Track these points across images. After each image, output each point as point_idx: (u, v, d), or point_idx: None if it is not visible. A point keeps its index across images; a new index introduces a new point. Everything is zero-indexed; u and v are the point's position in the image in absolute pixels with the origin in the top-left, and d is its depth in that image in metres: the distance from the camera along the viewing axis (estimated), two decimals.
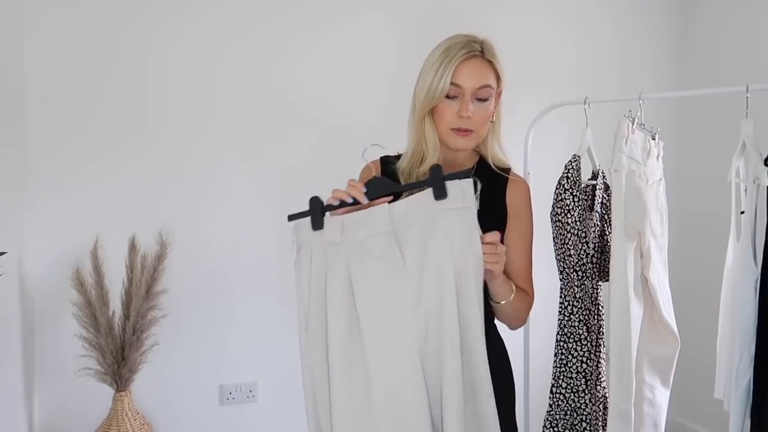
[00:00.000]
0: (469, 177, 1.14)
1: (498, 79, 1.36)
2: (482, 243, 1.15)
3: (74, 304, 2.10)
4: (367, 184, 1.22)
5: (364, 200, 1.20)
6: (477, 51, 1.32)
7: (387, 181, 1.23)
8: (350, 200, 1.21)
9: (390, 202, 1.20)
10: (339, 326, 1.18)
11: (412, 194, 1.21)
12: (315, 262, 1.22)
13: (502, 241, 1.33)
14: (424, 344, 1.15)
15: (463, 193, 1.14)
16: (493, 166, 1.42)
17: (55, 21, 2.17)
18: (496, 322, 1.44)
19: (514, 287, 1.33)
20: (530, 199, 1.45)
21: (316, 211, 1.22)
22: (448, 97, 1.32)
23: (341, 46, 2.47)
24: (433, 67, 1.32)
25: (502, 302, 1.32)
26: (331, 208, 1.22)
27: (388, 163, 1.44)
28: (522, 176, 1.49)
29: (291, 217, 1.24)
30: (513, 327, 1.43)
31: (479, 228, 1.15)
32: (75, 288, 2.08)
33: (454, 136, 1.34)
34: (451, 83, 1.31)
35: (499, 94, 1.39)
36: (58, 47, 2.18)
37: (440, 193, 1.15)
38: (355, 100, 2.48)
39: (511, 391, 1.48)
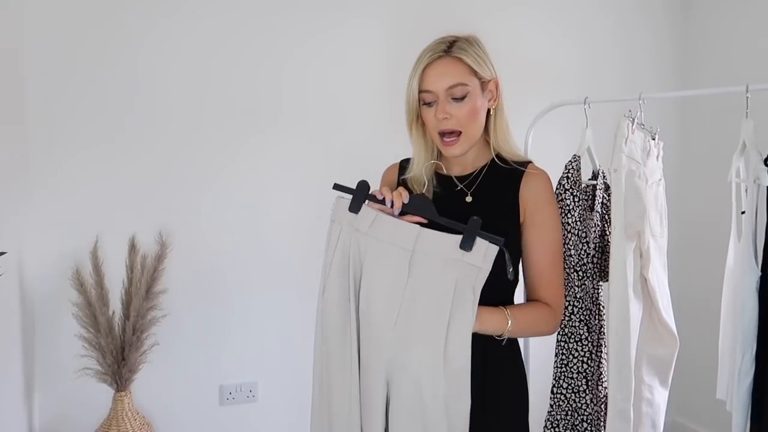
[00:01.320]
0: (499, 244, 1.19)
1: (474, 73, 1.29)
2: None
3: (74, 304, 2.10)
4: (412, 198, 1.26)
5: (396, 211, 1.25)
6: (441, 51, 1.29)
7: (429, 205, 1.26)
8: (389, 203, 1.25)
9: (421, 224, 1.24)
10: (346, 304, 1.27)
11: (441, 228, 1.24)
12: (342, 239, 1.28)
13: (514, 242, 1.31)
14: (395, 359, 1.22)
15: (485, 255, 1.20)
16: (510, 162, 1.36)
17: (55, 21, 2.17)
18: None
19: (507, 314, 1.26)
20: (551, 192, 1.36)
21: (360, 195, 1.27)
22: (426, 104, 1.31)
23: (341, 48, 2.47)
24: (409, 76, 1.32)
25: (501, 336, 1.27)
26: (373, 198, 1.27)
27: (403, 168, 1.43)
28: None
29: (336, 186, 1.30)
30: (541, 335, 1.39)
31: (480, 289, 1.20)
32: (75, 288, 2.08)
33: (444, 146, 1.32)
34: (421, 90, 1.30)
35: (496, 85, 1.34)
36: (58, 48, 2.17)
37: (466, 245, 1.20)
38: (355, 102, 2.48)
39: (525, 405, 1.43)
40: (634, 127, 1.78)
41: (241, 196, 2.38)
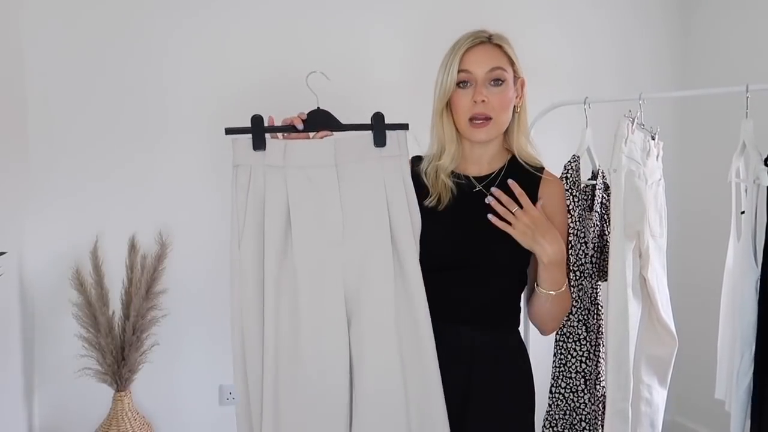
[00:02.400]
0: (406, 129, 1.23)
1: (512, 64, 1.33)
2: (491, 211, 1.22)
3: (74, 304, 2.10)
4: (309, 115, 1.26)
5: (300, 127, 1.25)
6: (483, 38, 1.32)
7: (329, 116, 1.27)
8: (298, 127, 1.26)
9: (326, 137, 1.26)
10: (273, 250, 1.22)
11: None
12: (254, 182, 1.24)
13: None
14: (353, 278, 1.21)
15: (399, 143, 1.23)
16: (525, 166, 1.36)
17: (55, 23, 2.17)
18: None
19: (567, 280, 1.30)
20: (564, 200, 1.40)
21: (259, 130, 1.24)
22: (460, 87, 1.31)
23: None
24: (443, 62, 1.33)
25: (549, 292, 1.29)
26: (272, 130, 1.25)
27: (416, 163, 1.41)
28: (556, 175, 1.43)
29: (229, 131, 1.25)
30: (546, 330, 1.39)
31: (410, 175, 1.24)
32: (75, 288, 2.08)
33: (471, 129, 1.31)
34: (460, 70, 1.30)
35: (522, 84, 1.36)
36: (58, 48, 2.18)
37: (379, 141, 1.22)
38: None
39: (531, 405, 1.41)
40: (634, 127, 1.78)
41: None
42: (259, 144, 1.23)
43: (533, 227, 1.25)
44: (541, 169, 1.37)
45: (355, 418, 1.21)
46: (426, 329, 1.21)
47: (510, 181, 1.28)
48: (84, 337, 2.08)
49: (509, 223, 1.26)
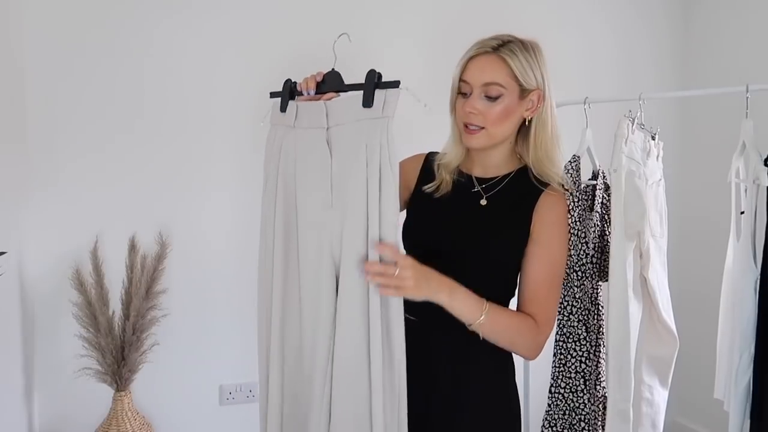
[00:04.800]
0: (396, 86, 1.17)
1: (514, 78, 1.26)
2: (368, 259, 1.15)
3: (74, 304, 2.10)
4: (326, 76, 1.32)
5: (312, 92, 1.31)
6: (490, 48, 1.27)
7: (336, 77, 1.31)
8: (305, 92, 1.32)
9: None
10: (284, 203, 1.31)
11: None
12: (276, 141, 1.35)
13: (520, 255, 1.30)
14: (337, 243, 1.22)
15: (385, 104, 1.17)
16: (533, 178, 1.32)
17: (55, 21, 2.17)
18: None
19: (484, 307, 1.21)
20: (564, 216, 1.32)
21: (285, 94, 1.35)
22: (461, 93, 1.31)
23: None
24: (457, 63, 1.34)
25: (470, 325, 1.22)
26: (298, 93, 1.34)
27: (429, 161, 1.43)
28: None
29: (272, 95, 1.38)
30: (520, 354, 1.31)
31: (392, 139, 1.17)
32: (75, 288, 2.08)
33: (465, 135, 1.31)
34: (461, 79, 1.30)
35: (539, 97, 1.30)
36: (58, 47, 2.18)
37: (367, 101, 1.19)
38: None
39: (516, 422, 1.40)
40: (634, 127, 1.78)
41: (242, 196, 2.38)
42: (283, 106, 1.35)
43: (419, 277, 1.17)
44: (547, 183, 1.32)
45: (333, 380, 1.24)
46: (396, 306, 1.18)
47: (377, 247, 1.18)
48: (84, 337, 2.08)
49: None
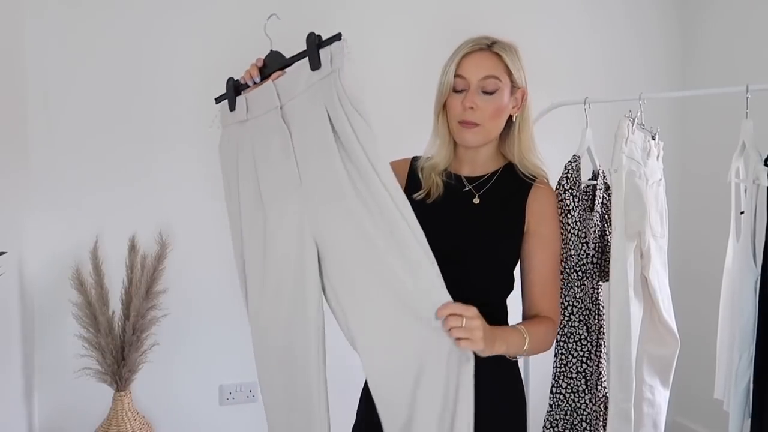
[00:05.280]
0: (338, 39, 1.12)
1: (509, 73, 1.32)
2: (441, 316, 1.10)
3: (74, 304, 2.10)
4: (266, 60, 1.28)
5: (257, 78, 1.27)
6: (484, 45, 1.32)
7: (278, 56, 1.27)
8: (251, 83, 1.27)
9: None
10: (249, 200, 1.27)
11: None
12: (232, 142, 1.31)
13: (516, 249, 1.32)
14: (314, 217, 1.18)
15: (332, 58, 1.12)
16: (520, 173, 1.36)
17: (56, 22, 2.17)
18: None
19: (524, 335, 1.22)
20: (555, 206, 1.37)
21: (230, 93, 1.30)
22: (456, 91, 1.32)
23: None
24: (444, 64, 1.34)
25: (519, 356, 1.27)
26: (238, 90, 1.30)
27: (413, 166, 1.42)
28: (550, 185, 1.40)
29: (217, 100, 1.34)
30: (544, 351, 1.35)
31: (350, 88, 1.10)
32: (75, 288, 2.08)
33: (460, 131, 1.32)
34: (456, 75, 1.31)
35: (522, 95, 1.35)
36: (59, 48, 2.18)
37: (315, 63, 1.14)
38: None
39: (522, 413, 1.41)
40: (634, 127, 1.78)
41: None
42: (232, 105, 1.30)
43: (484, 331, 1.15)
44: (535, 177, 1.36)
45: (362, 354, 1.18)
46: (407, 231, 1.11)
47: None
48: (84, 337, 2.08)
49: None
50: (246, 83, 1.29)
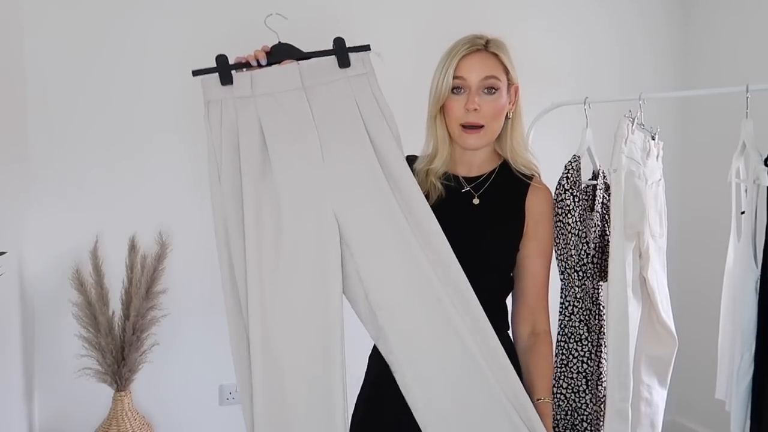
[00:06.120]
0: (368, 49, 1.23)
1: (506, 72, 1.33)
2: None
3: (74, 304, 2.10)
4: (272, 49, 1.28)
5: (263, 62, 1.27)
6: (480, 45, 1.32)
7: (290, 47, 1.28)
8: (255, 63, 1.27)
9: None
10: (252, 174, 1.23)
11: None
12: (226, 116, 1.26)
13: (515, 249, 1.33)
14: (339, 198, 1.20)
15: (364, 62, 1.24)
16: (515, 171, 1.37)
17: (55, 22, 2.17)
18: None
19: (549, 401, 1.30)
20: (552, 208, 1.40)
21: (225, 66, 1.27)
22: (454, 93, 1.32)
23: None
24: (439, 66, 1.34)
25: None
26: (237, 66, 1.27)
27: (410, 162, 1.41)
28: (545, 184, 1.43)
29: (196, 73, 1.29)
30: None
31: (380, 91, 1.24)
32: (75, 288, 2.08)
33: (463, 135, 1.32)
34: (455, 77, 1.31)
35: (516, 91, 1.36)
36: (58, 48, 2.18)
37: (344, 62, 1.23)
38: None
39: None
40: (634, 127, 1.78)
41: None
42: (226, 79, 1.26)
43: None
44: (531, 176, 1.38)
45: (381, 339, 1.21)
46: (437, 235, 1.21)
47: None
48: (84, 337, 2.08)
49: None
50: (248, 63, 1.28)
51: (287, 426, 1.20)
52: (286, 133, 1.23)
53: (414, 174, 1.36)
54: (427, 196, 1.33)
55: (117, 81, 2.24)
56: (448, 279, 1.20)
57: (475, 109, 1.29)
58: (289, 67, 1.25)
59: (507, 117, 1.37)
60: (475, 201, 1.35)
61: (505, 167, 1.38)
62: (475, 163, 1.39)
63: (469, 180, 1.38)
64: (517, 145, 1.38)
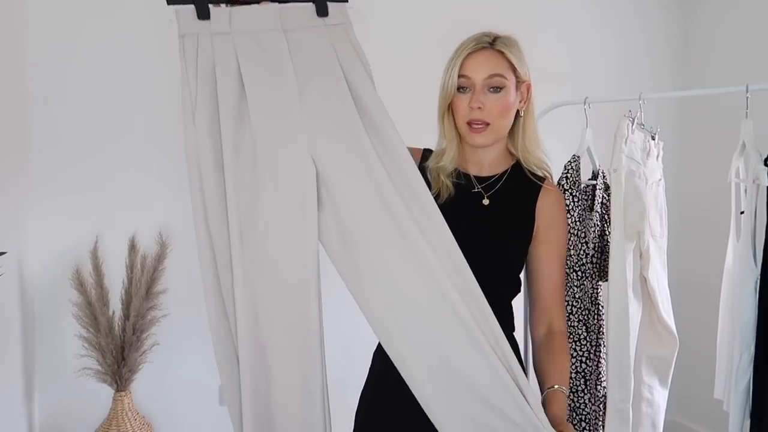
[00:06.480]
0: (346, 1, 1.21)
1: (514, 70, 1.31)
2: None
3: (74, 304, 2.10)
4: None
5: None
6: (486, 43, 1.32)
7: None
8: None
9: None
10: (230, 112, 1.19)
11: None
12: (202, 52, 1.22)
13: (523, 251, 1.33)
14: (314, 135, 1.18)
15: (342, 13, 1.21)
16: (528, 172, 1.36)
17: (56, 21, 2.17)
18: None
19: (564, 390, 1.29)
20: (564, 211, 1.38)
21: (202, 0, 1.23)
22: (460, 91, 1.32)
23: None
24: (447, 64, 1.34)
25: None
26: (215, 0, 1.23)
27: (424, 158, 1.42)
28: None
29: (171, 1, 1.26)
30: None
31: (359, 43, 1.22)
32: (75, 288, 2.08)
33: (470, 133, 1.31)
34: (460, 75, 1.31)
35: (528, 88, 1.34)
36: (59, 47, 2.18)
37: (322, 11, 1.21)
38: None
39: None
40: (634, 127, 1.78)
41: None
42: (203, 13, 1.22)
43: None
44: (543, 178, 1.36)
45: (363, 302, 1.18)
46: (412, 174, 1.18)
47: None
48: (84, 337, 2.08)
49: None
50: None
51: (265, 362, 1.21)
52: (264, 73, 1.20)
53: (426, 171, 1.37)
54: (438, 194, 1.33)
55: (118, 81, 2.24)
56: (422, 214, 1.18)
57: (479, 108, 1.29)
58: (269, 6, 1.22)
59: (519, 115, 1.35)
60: (485, 201, 1.35)
61: (517, 168, 1.37)
62: (486, 162, 1.38)
63: (481, 180, 1.37)
64: (530, 144, 1.36)
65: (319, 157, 1.18)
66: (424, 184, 1.18)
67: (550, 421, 1.19)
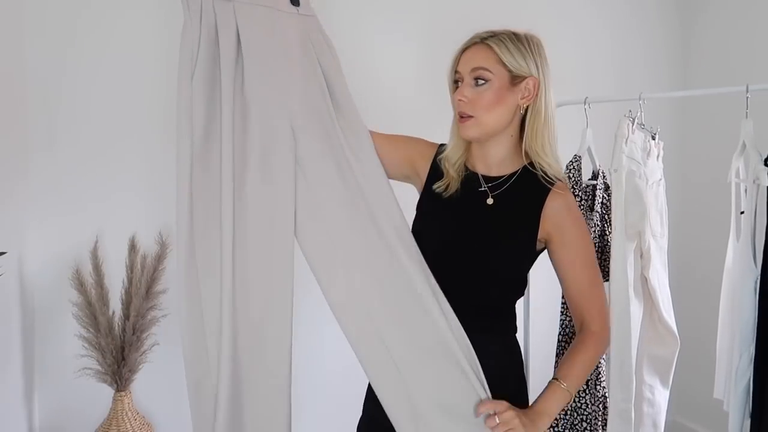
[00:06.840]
0: None
1: (501, 63, 1.29)
2: (478, 416, 1.19)
3: (74, 304, 2.09)
4: None
5: None
6: (478, 39, 1.34)
7: None
8: None
9: None
10: (228, 79, 1.27)
11: None
12: (206, 12, 1.27)
13: (524, 251, 1.33)
14: (292, 108, 1.31)
15: (308, 6, 1.37)
16: (540, 176, 1.32)
17: (56, 21, 2.17)
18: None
19: (564, 385, 1.26)
20: (576, 211, 1.33)
21: None
22: (456, 85, 1.35)
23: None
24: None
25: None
26: None
27: (438, 153, 1.43)
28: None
29: None
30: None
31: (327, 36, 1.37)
32: (75, 288, 2.08)
33: (459, 125, 1.33)
34: (455, 71, 1.35)
35: (535, 85, 1.31)
36: (59, 47, 2.17)
37: (294, 0, 1.35)
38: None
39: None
40: (634, 127, 1.78)
41: None
42: None
43: (520, 416, 1.19)
44: (554, 182, 1.32)
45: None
46: (368, 149, 1.37)
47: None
48: (84, 337, 2.08)
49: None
50: None
51: (251, 331, 1.27)
52: (260, 45, 1.30)
53: (440, 163, 1.39)
54: (446, 187, 1.35)
55: (118, 81, 2.24)
56: (375, 193, 1.31)
57: (461, 100, 1.31)
58: None
59: (527, 113, 1.33)
60: (489, 201, 1.34)
61: (528, 171, 1.35)
62: (493, 161, 1.37)
63: (489, 179, 1.36)
64: (535, 144, 1.32)
65: (297, 134, 1.31)
66: (378, 161, 1.35)
67: (528, 407, 1.25)
